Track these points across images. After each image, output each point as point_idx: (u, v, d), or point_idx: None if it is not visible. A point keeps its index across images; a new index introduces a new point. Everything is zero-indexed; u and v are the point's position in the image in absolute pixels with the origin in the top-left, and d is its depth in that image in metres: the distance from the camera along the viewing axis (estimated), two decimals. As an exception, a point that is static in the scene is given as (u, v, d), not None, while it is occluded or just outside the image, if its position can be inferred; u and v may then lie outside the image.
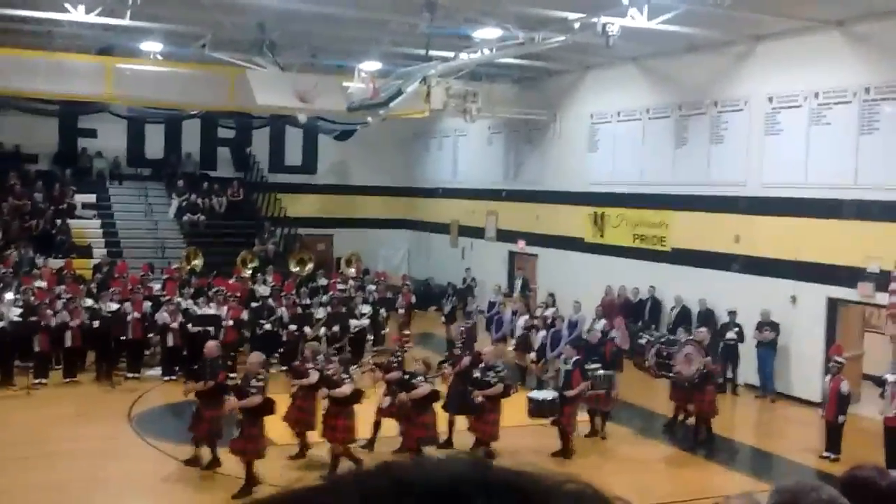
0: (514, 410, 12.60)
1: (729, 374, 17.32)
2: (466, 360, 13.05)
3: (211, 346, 12.29)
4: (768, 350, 16.89)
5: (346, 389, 11.29)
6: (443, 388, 12.79)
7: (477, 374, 12.35)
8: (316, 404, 11.96)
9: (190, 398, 11.72)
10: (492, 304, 20.28)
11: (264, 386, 10.88)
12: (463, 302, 20.91)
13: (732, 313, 17.33)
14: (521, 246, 25.27)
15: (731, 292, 17.90)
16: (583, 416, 13.61)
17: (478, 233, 27.45)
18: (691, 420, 14.09)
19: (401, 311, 21.02)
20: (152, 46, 21.68)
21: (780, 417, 16.33)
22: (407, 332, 17.10)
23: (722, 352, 17.39)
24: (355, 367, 13.39)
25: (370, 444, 12.32)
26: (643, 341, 14.92)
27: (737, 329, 17.18)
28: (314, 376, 11.91)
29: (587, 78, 22.99)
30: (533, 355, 16.77)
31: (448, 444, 12.64)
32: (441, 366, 13.64)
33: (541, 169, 24.67)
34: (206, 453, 11.47)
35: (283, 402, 11.77)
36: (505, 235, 26.17)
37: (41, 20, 19.53)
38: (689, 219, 19.48)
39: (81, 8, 17.87)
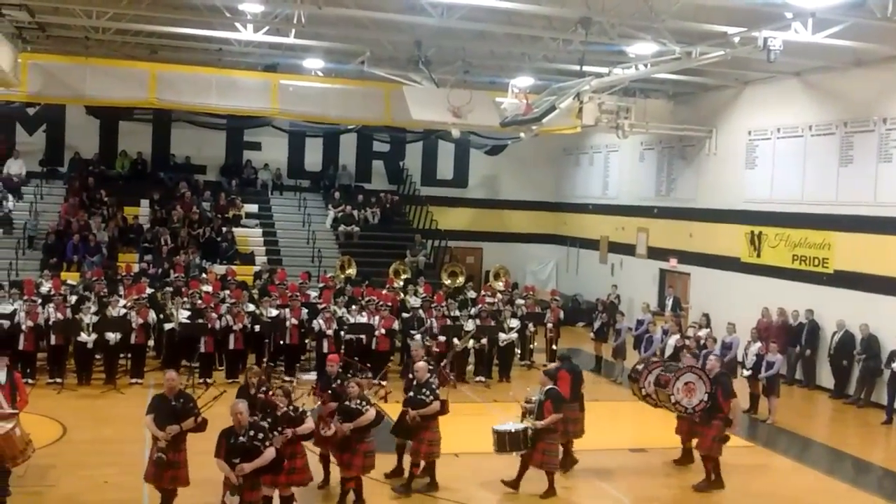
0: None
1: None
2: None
3: (173, 376, 10.17)
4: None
5: (310, 424, 10.16)
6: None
7: (411, 392, 11.36)
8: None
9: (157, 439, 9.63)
10: (640, 322, 19.95)
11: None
12: (612, 319, 20.65)
13: (904, 340, 16.48)
14: (672, 264, 24.79)
15: (898, 318, 17.05)
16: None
17: (628, 249, 27.11)
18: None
19: (549, 326, 20.97)
20: (314, 63, 22.63)
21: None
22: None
23: (889, 381, 16.65)
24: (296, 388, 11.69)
25: (325, 482, 11.43)
26: (640, 366, 13.49)
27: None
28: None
29: (745, 93, 22.36)
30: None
31: (398, 471, 11.80)
32: (377, 385, 12.82)
33: (695, 186, 24.15)
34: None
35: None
36: (656, 253, 25.73)
37: (212, 39, 20.72)
38: (854, 240, 18.62)
39: (250, 27, 18.87)
